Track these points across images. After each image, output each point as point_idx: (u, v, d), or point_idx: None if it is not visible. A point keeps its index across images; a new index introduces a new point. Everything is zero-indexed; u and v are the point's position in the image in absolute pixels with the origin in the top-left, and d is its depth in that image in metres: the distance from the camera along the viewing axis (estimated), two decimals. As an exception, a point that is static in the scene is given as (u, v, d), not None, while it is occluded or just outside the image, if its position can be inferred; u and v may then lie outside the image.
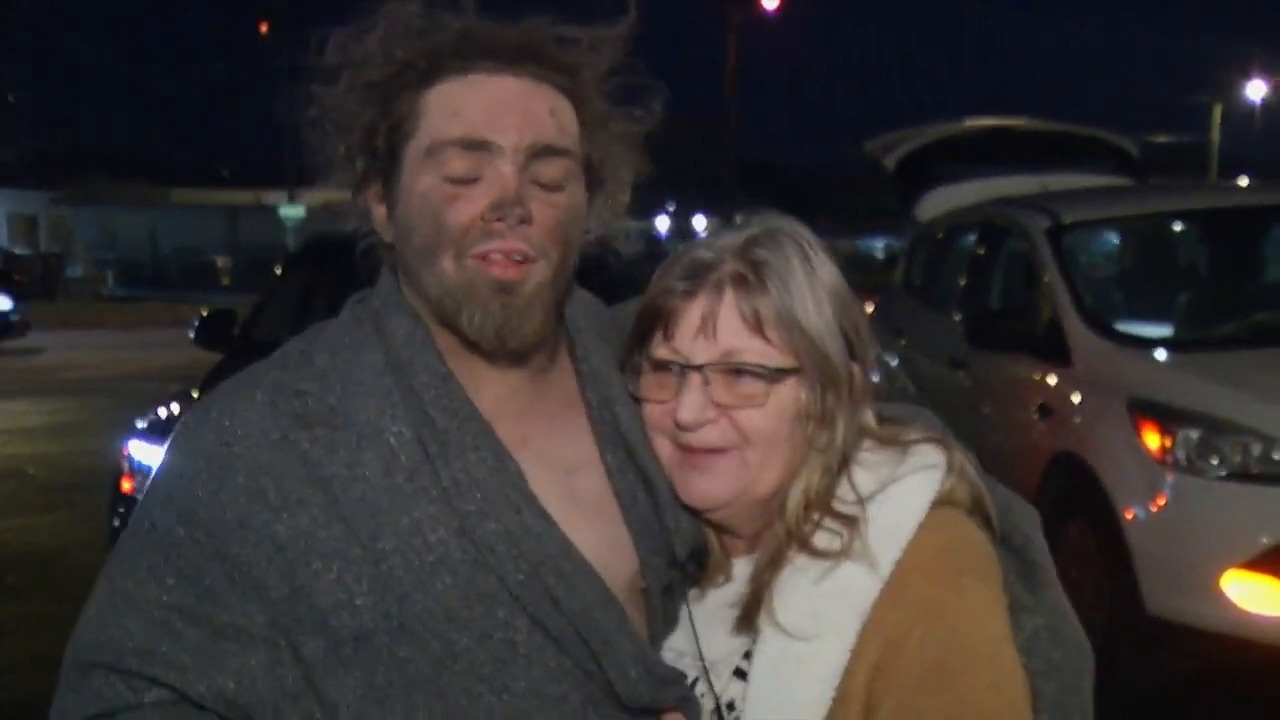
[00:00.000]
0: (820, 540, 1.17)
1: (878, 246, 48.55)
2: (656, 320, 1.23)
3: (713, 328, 1.19)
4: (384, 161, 1.25)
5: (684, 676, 1.24)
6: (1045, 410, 4.92)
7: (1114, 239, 6.63)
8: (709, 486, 1.22)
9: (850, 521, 1.17)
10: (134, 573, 1.23)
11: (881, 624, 1.12)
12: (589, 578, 1.21)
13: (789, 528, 1.20)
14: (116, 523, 4.69)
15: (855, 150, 8.29)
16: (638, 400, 1.27)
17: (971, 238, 6.68)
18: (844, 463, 1.21)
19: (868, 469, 1.21)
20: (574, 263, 1.28)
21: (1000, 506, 1.25)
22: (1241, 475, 4.07)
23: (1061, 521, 4.72)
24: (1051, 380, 4.95)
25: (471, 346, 1.24)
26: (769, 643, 1.16)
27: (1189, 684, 4.39)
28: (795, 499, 1.20)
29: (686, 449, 1.23)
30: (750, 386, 1.19)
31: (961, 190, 7.12)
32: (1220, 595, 3.99)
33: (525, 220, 1.19)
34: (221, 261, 39.58)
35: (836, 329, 1.21)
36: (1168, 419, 4.23)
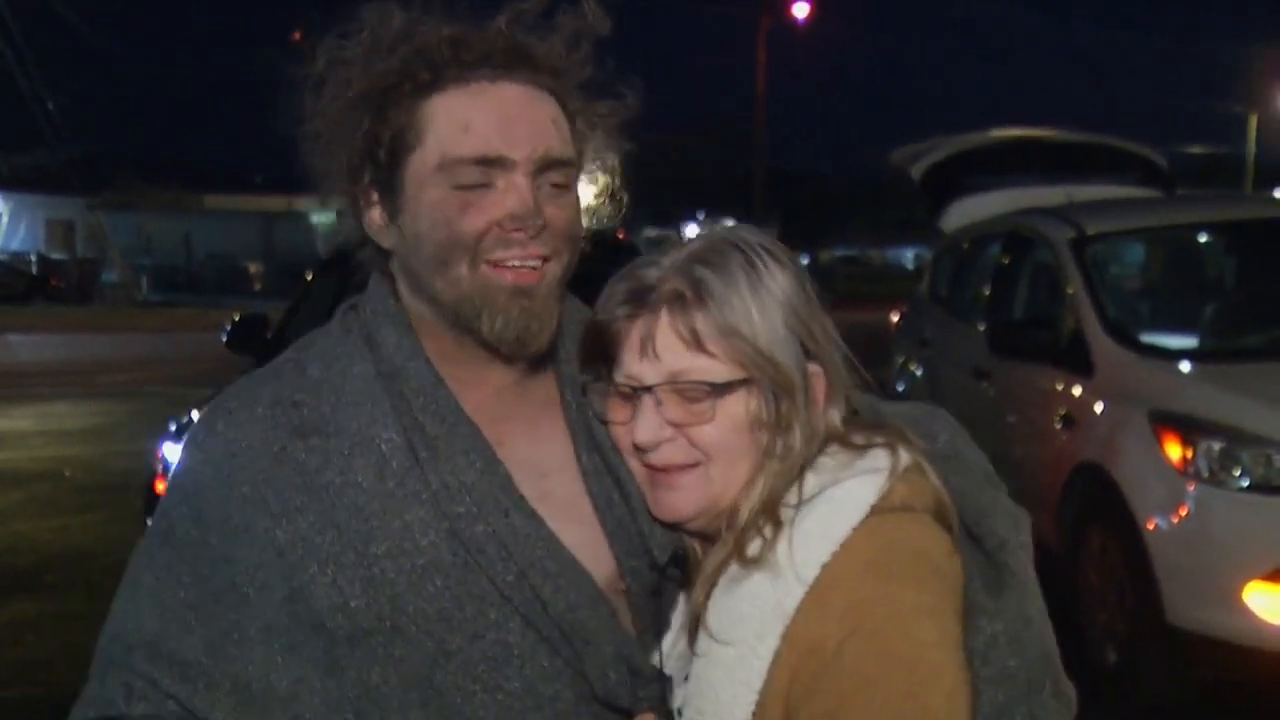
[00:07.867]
0: (751, 546, 1.17)
1: (908, 256, 48.38)
2: (604, 343, 1.25)
3: (653, 350, 1.20)
4: (384, 171, 1.25)
5: (664, 676, 1.25)
6: (1068, 420, 4.94)
7: (1138, 250, 6.62)
8: (675, 502, 1.23)
9: (778, 526, 1.16)
10: (153, 570, 1.29)
11: (804, 629, 1.11)
12: (576, 578, 1.22)
13: (736, 535, 1.19)
14: (150, 523, 4.77)
15: (885, 160, 8.31)
16: (604, 423, 1.28)
17: (996, 248, 6.69)
18: (804, 468, 1.20)
19: (819, 473, 1.19)
20: (576, 260, 1.30)
21: (979, 509, 1.22)
22: (1264, 487, 4.07)
23: (1083, 531, 4.75)
24: (1074, 391, 4.97)
25: (479, 349, 1.26)
26: (702, 647, 1.18)
27: (1209, 695, 4.38)
28: (748, 506, 1.19)
29: (651, 467, 1.24)
30: (699, 403, 1.19)
31: (987, 200, 7.12)
32: (1242, 606, 3.99)
33: (542, 229, 1.23)
34: (254, 267, 39.74)
35: (785, 335, 1.19)
36: (1189, 430, 4.24)
